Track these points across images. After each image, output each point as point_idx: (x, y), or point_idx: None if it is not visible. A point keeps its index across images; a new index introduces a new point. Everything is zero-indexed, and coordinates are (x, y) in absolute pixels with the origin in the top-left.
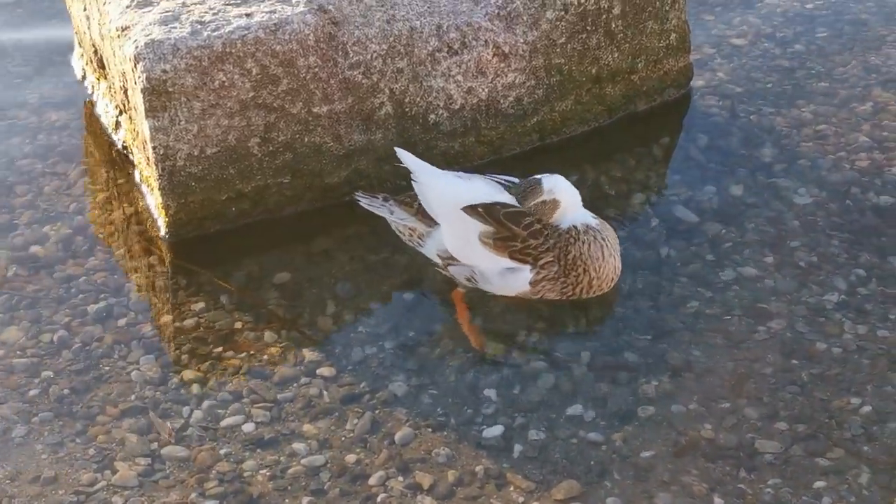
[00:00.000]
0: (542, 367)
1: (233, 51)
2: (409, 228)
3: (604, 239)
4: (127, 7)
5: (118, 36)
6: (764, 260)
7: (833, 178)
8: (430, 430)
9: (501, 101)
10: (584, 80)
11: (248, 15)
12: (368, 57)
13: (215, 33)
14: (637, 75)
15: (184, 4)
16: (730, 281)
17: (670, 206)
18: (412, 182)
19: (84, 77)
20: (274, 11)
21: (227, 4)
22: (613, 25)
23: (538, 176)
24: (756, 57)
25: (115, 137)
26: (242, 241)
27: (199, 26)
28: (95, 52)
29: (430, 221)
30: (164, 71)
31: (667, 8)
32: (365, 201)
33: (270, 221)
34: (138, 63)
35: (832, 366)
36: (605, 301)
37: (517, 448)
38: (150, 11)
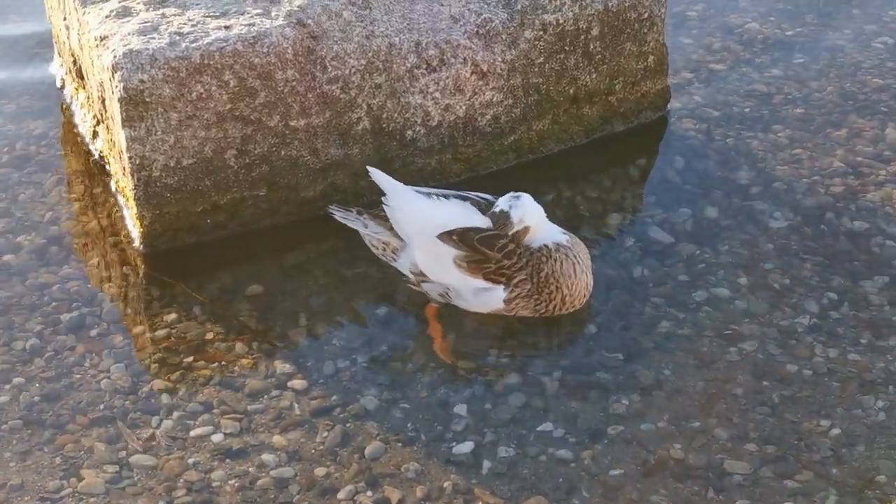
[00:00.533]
0: (513, 385)
1: (211, 62)
2: (383, 243)
3: (575, 256)
4: (106, 17)
5: (97, 46)
6: (737, 281)
7: (808, 202)
8: (400, 444)
9: (479, 119)
10: (561, 101)
11: (226, 27)
12: (347, 72)
13: (194, 45)
14: (615, 97)
15: (163, 16)
16: (702, 302)
17: (645, 227)
18: (383, 205)
19: (63, 86)
20: (253, 24)
21: (207, 17)
22: (592, 46)
23: (503, 205)
24: (734, 81)
25: (92, 147)
26: (217, 254)
27: (178, 37)
28: (74, 62)
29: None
30: (142, 81)
31: (645, 30)
32: (339, 214)
33: (245, 234)
34: (116, 72)
35: (803, 388)
36: (577, 319)
37: (486, 464)
38: (128, 22)
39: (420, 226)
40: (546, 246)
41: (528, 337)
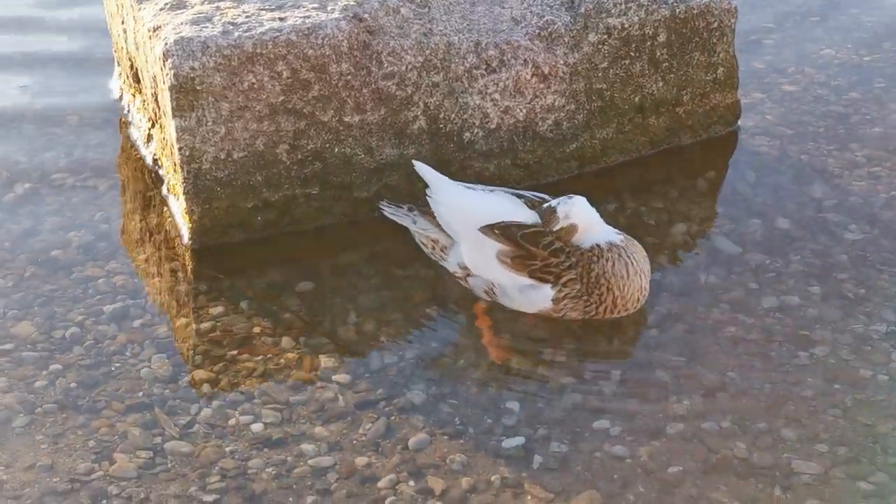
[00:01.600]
0: (569, 383)
1: (263, 52)
2: (432, 240)
3: (629, 257)
4: (160, 10)
5: (150, 37)
6: (809, 290)
7: (886, 215)
8: (446, 437)
9: (540, 124)
10: (626, 108)
11: (281, 19)
12: (403, 68)
13: (246, 34)
14: (682, 108)
15: (217, 8)
16: (772, 308)
17: (712, 237)
18: (427, 197)
19: (121, 96)
20: (308, 17)
21: (262, 9)
22: (658, 53)
23: (553, 202)
24: (809, 102)
25: (145, 152)
26: (267, 252)
27: (231, 27)
28: (131, 65)
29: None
30: (193, 68)
31: (714, 40)
32: (389, 210)
33: (296, 234)
34: (167, 60)
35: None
36: (638, 323)
37: (537, 459)
38: (182, 13)
39: (463, 218)
40: (598, 245)
41: (586, 337)
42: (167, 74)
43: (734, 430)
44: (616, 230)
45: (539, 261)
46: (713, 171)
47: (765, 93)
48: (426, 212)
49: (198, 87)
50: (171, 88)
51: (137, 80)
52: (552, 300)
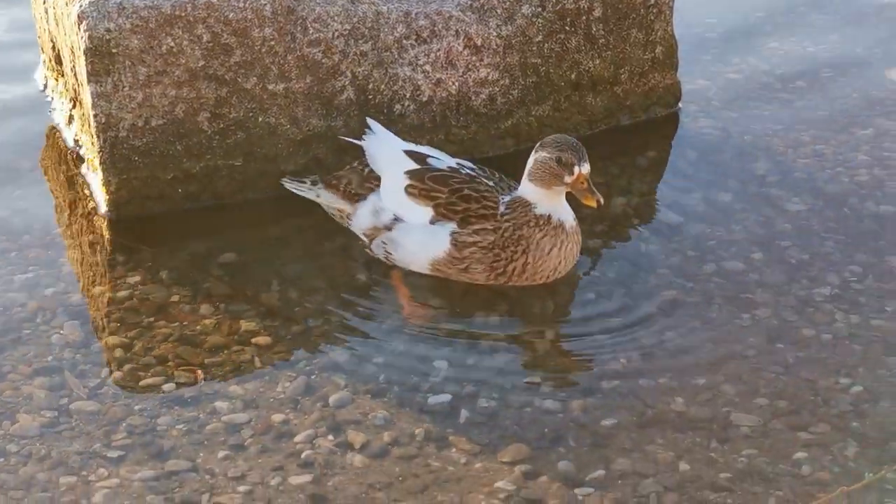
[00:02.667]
0: (500, 343)
1: (182, 14)
2: (338, 209)
3: (563, 241)
4: None
5: (66, 3)
6: (751, 256)
7: (831, 188)
8: (369, 395)
9: (473, 98)
10: (563, 86)
11: None
12: (329, 35)
13: None
14: (620, 87)
15: None
16: (711, 272)
17: (653, 209)
18: (364, 138)
19: (45, 86)
20: None
21: None
22: (594, 29)
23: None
24: (754, 89)
25: (67, 135)
26: (188, 224)
27: None
28: (53, 47)
29: (355, 199)
30: (108, 30)
31: (652, 17)
32: (292, 185)
33: (220, 207)
34: (82, 22)
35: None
36: (573, 287)
37: (464, 414)
38: None
39: (390, 151)
40: (549, 216)
41: (520, 300)
42: (82, 38)
43: (672, 387)
44: (574, 217)
45: (444, 195)
46: (654, 151)
47: (709, 80)
48: (329, 183)
49: (113, 50)
50: (87, 52)
51: (59, 63)
52: (455, 243)
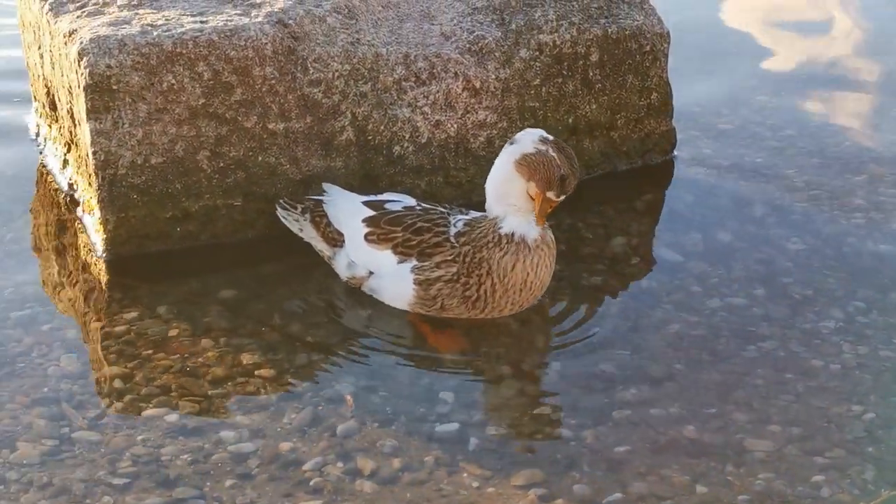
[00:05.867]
0: (506, 374)
1: (184, 51)
2: (319, 249)
3: (524, 256)
4: (77, 17)
5: (66, 43)
6: (754, 292)
7: (829, 229)
8: (376, 424)
9: (471, 140)
10: (559, 130)
11: (203, 22)
12: (330, 75)
13: (166, 33)
14: (616, 132)
15: (137, 13)
16: (716, 307)
17: (652, 248)
18: (322, 203)
19: (37, 133)
20: (231, 20)
21: (183, 14)
22: (591, 74)
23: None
24: (745, 138)
25: (61, 179)
26: (186, 263)
27: (150, 28)
28: (47, 92)
29: (333, 244)
30: (109, 66)
31: (647, 64)
32: (282, 212)
33: (217, 246)
34: (82, 59)
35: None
36: (577, 320)
37: (473, 441)
38: (100, 18)
39: (348, 208)
40: (511, 234)
41: (523, 335)
42: (82, 74)
43: (683, 415)
44: (544, 228)
45: (400, 234)
46: (650, 194)
47: (701, 130)
48: (314, 217)
49: (114, 87)
50: (87, 88)
51: (54, 108)
52: (420, 283)
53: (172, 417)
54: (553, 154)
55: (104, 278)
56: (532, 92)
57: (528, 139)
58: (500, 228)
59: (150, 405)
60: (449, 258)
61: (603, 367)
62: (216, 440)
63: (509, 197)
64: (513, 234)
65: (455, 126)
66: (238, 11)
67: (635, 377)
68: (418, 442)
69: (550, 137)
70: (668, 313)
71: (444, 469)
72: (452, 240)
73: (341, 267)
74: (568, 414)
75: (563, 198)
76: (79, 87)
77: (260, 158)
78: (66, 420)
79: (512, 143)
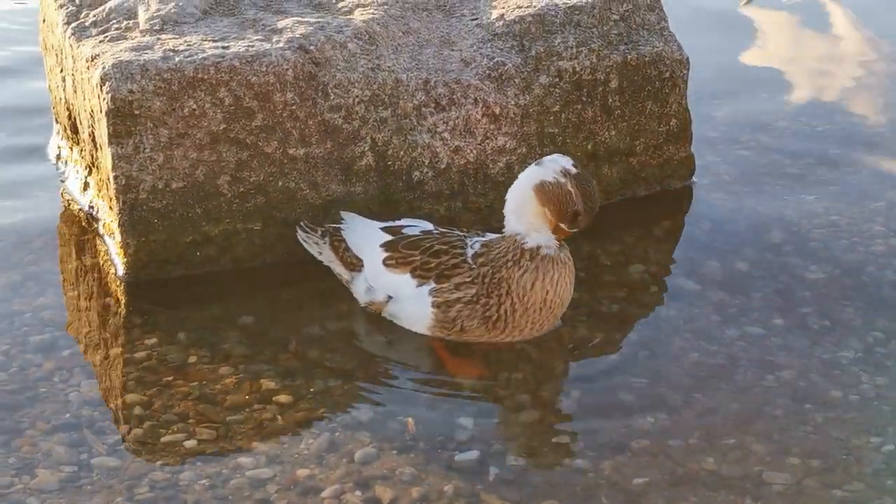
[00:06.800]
0: (525, 402)
1: (205, 77)
2: (338, 273)
3: (544, 274)
4: (99, 42)
5: (88, 68)
6: (772, 322)
7: (848, 258)
8: (395, 451)
9: (491, 166)
10: (579, 156)
11: (224, 47)
12: (350, 101)
13: (188, 59)
14: (636, 159)
15: (159, 39)
16: (735, 337)
17: (671, 277)
18: (341, 230)
19: (59, 155)
20: (252, 46)
21: (205, 40)
22: (610, 100)
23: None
24: (764, 164)
25: (82, 201)
26: (205, 288)
27: (172, 53)
28: (69, 116)
29: (352, 268)
30: (131, 91)
31: (666, 90)
32: (303, 235)
33: (237, 270)
34: (104, 84)
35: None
36: (596, 349)
37: (493, 471)
38: (122, 43)
39: (366, 233)
40: (537, 248)
41: (542, 362)
42: (104, 99)
43: (701, 446)
44: (561, 246)
45: (418, 257)
46: (669, 221)
47: (720, 156)
48: (334, 242)
49: (136, 112)
50: (109, 113)
51: (75, 131)
52: (438, 305)
53: (191, 443)
54: (570, 189)
55: (124, 302)
56: (551, 118)
57: (552, 167)
58: (524, 243)
59: (169, 431)
60: (468, 280)
61: (621, 396)
62: (234, 466)
63: (527, 214)
64: (538, 248)
65: (474, 152)
66: (259, 37)
67: (654, 406)
68: (438, 470)
69: (574, 171)
70: (687, 342)
71: (464, 500)
72: (470, 261)
73: (360, 292)
74: (587, 444)
75: (575, 230)
76: (101, 111)
77: (280, 183)
78: (85, 446)
79: (538, 165)
